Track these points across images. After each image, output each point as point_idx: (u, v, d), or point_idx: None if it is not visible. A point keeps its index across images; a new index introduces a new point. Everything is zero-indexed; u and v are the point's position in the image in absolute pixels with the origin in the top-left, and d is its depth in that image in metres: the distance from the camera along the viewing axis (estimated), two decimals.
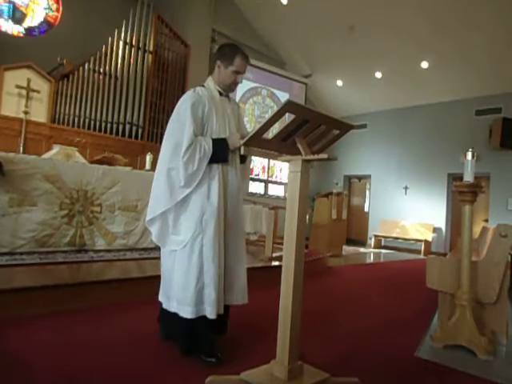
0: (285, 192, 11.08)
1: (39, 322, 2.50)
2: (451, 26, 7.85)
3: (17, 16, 7.40)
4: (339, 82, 11.01)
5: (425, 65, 9.12)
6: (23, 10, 7.50)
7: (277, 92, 10.92)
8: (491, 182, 9.07)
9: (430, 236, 9.91)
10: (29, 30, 7.55)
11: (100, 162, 4.83)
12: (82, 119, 7.21)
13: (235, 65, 2.19)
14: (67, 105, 7.08)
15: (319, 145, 1.84)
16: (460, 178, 2.77)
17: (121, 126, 7.62)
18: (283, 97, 10.83)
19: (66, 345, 2.18)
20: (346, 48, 9.51)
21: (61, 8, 7.92)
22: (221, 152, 2.10)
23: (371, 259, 8.50)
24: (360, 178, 12.18)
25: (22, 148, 6.46)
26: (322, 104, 11.87)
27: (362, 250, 10.16)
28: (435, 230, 9.99)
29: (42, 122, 6.84)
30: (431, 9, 7.66)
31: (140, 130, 7.85)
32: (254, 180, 10.77)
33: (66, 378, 1.80)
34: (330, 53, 10.03)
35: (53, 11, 7.85)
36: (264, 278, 3.48)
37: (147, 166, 5.48)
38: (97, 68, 7.37)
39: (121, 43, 7.67)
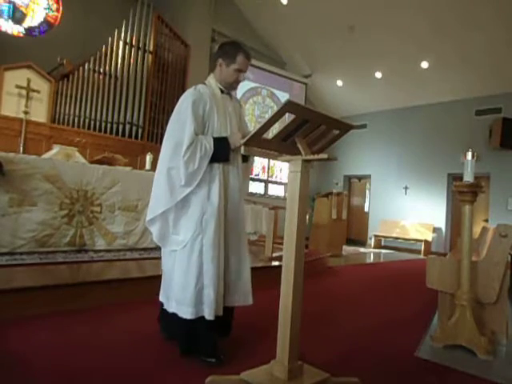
0: (285, 192, 11.08)
1: (39, 322, 2.50)
2: (451, 26, 7.85)
3: (17, 16, 7.40)
4: (339, 82, 11.01)
5: (425, 65, 9.13)
6: (23, 9, 7.50)
7: (277, 92, 10.92)
8: (491, 182, 9.07)
9: (430, 236, 9.92)
10: (29, 30, 7.55)
11: (100, 161, 4.83)
12: (81, 119, 7.21)
13: (237, 63, 2.17)
14: (67, 105, 7.08)
15: (319, 145, 1.84)
16: (460, 178, 2.77)
17: (121, 126, 7.62)
18: (283, 97, 10.83)
19: (66, 345, 2.18)
20: (346, 48, 9.51)
21: (61, 8, 7.92)
22: (222, 151, 2.08)
23: (371, 259, 8.50)
24: (360, 178, 12.18)
25: (22, 148, 6.46)
26: (321, 104, 11.87)
27: (362, 250, 10.16)
28: (435, 229, 10.00)
29: (42, 121, 6.85)
30: (431, 9, 7.66)
31: (140, 130, 7.85)
32: (253, 180, 10.77)
33: (66, 378, 1.80)
34: (330, 53, 10.04)
35: (53, 11, 7.85)
36: (264, 278, 3.48)
37: (147, 166, 5.48)
38: (97, 68, 7.38)
39: (121, 43, 7.67)
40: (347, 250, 9.00)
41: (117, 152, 6.10)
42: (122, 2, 8.15)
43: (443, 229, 9.96)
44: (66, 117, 7.07)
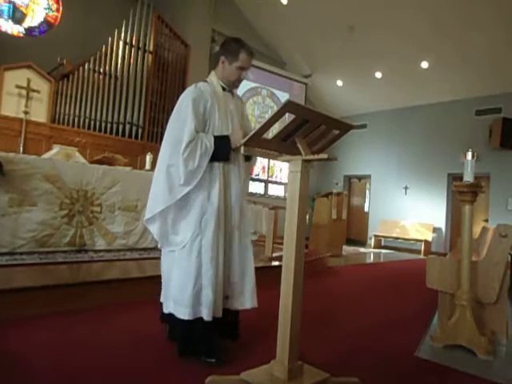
0: (285, 192, 11.08)
1: (39, 322, 2.50)
2: (451, 26, 7.85)
3: (17, 16, 7.40)
4: (339, 82, 11.01)
5: (425, 65, 9.13)
6: (23, 9, 7.50)
7: (277, 92, 10.92)
8: (491, 182, 9.07)
9: (430, 236, 9.92)
10: (29, 30, 7.55)
11: (100, 161, 4.83)
12: (81, 119, 7.21)
13: (240, 60, 2.14)
14: (67, 105, 7.08)
15: (319, 145, 1.84)
16: (460, 178, 2.77)
17: (121, 126, 7.62)
18: (283, 97, 10.83)
19: (66, 345, 2.18)
20: (346, 48, 9.51)
21: (61, 8, 7.92)
22: (223, 149, 2.05)
23: (371, 259, 8.50)
24: (360, 178, 12.19)
25: (22, 148, 6.47)
26: (322, 104, 11.87)
27: (362, 250, 10.16)
28: (435, 229, 10.00)
29: (42, 121, 6.85)
30: (431, 9, 7.66)
31: (140, 130, 7.86)
32: (253, 180, 10.77)
33: (66, 378, 1.80)
34: (330, 53, 10.04)
35: (53, 11, 7.85)
36: (264, 278, 3.48)
37: (147, 166, 5.48)
38: (97, 68, 7.38)
39: (121, 43, 7.67)
40: (347, 249, 9.00)
41: (117, 152, 6.10)
42: (122, 2, 8.15)
43: (443, 229, 9.96)
44: (66, 117, 7.07)
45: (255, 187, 10.84)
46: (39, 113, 6.80)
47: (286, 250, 1.70)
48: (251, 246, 2.27)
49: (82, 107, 7.21)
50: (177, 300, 2.03)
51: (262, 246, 5.13)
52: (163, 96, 8.26)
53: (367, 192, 11.96)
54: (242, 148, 1.73)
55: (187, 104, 2.06)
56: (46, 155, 4.82)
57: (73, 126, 7.13)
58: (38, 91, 6.70)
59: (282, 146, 1.77)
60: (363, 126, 11.59)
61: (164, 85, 8.31)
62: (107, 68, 7.51)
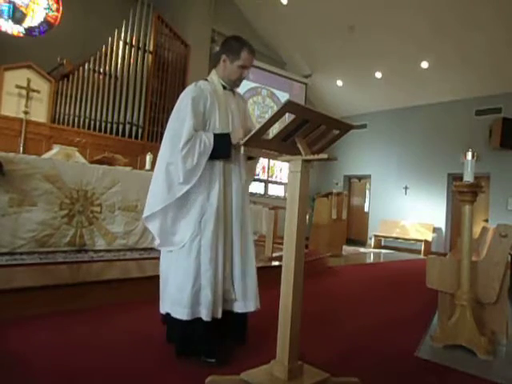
0: (285, 192, 11.08)
1: (39, 321, 2.50)
2: (451, 26, 7.85)
3: (17, 16, 7.40)
4: (339, 82, 11.01)
5: (425, 65, 9.13)
6: (23, 9, 7.50)
7: (277, 92, 10.92)
8: (491, 182, 9.07)
9: (430, 236, 9.92)
10: (29, 30, 7.56)
11: (100, 161, 4.83)
12: (81, 119, 7.21)
13: (242, 59, 2.13)
14: (67, 105, 7.08)
15: (319, 145, 1.84)
16: (460, 178, 2.77)
17: (121, 126, 7.62)
18: (283, 97, 10.83)
19: (66, 345, 2.18)
20: (346, 48, 9.51)
21: (61, 8, 7.92)
22: (223, 147, 2.03)
23: (371, 259, 8.50)
24: (360, 178, 12.18)
25: (22, 148, 6.47)
26: (322, 104, 11.87)
27: (362, 250, 10.16)
28: (435, 229, 10.00)
29: (42, 122, 6.85)
30: (431, 9, 7.66)
31: (140, 130, 7.86)
32: (254, 180, 10.72)
33: (66, 378, 1.80)
34: (330, 53, 10.04)
35: (53, 11, 7.85)
36: (264, 278, 3.48)
37: (147, 166, 5.48)
38: (97, 68, 7.38)
39: (121, 43, 7.67)
40: (347, 249, 9.00)
41: (117, 152, 6.10)
42: (122, 2, 8.15)
43: (443, 229, 9.96)
44: (66, 117, 7.07)
45: (255, 187, 10.84)
46: (39, 113, 6.80)
47: (286, 250, 1.70)
48: (253, 247, 2.25)
49: (82, 107, 7.21)
50: (175, 300, 2.02)
51: (262, 246, 5.13)
52: (163, 96, 8.26)
53: (367, 192, 11.96)
54: (242, 148, 1.73)
55: (186, 103, 2.05)
56: (46, 155, 4.82)
57: (73, 126, 7.13)
58: (38, 91, 6.71)
59: (282, 146, 1.77)
60: (363, 126, 11.59)
61: (164, 85, 8.31)
62: (107, 68, 7.51)
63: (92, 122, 7.31)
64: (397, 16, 8.11)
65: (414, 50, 8.76)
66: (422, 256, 9.27)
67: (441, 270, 2.87)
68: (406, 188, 10.68)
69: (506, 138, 8.71)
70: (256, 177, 10.88)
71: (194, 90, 2.09)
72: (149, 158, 5.53)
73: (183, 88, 2.18)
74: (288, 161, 1.75)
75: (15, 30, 7.40)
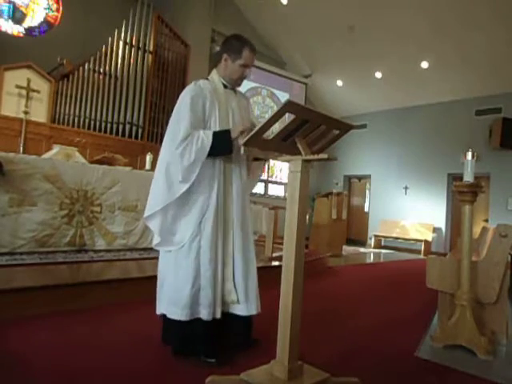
0: (285, 192, 11.08)
1: (39, 321, 2.50)
2: (451, 25, 7.85)
3: (17, 16, 7.40)
4: (339, 82, 11.01)
5: (425, 65, 9.13)
6: (23, 9, 7.50)
7: (277, 92, 10.92)
8: (491, 182, 9.07)
9: (430, 236, 9.92)
10: (29, 30, 7.56)
11: (100, 162, 4.83)
12: (82, 119, 7.21)
13: (243, 58, 2.12)
14: (67, 105, 7.08)
15: (319, 145, 1.84)
16: (460, 178, 2.77)
17: (121, 126, 7.62)
18: (283, 97, 10.83)
19: (66, 345, 2.18)
20: (346, 48, 9.51)
21: (61, 8, 7.92)
22: (222, 144, 1.99)
23: (371, 259, 8.50)
24: (360, 178, 12.18)
25: (22, 148, 6.47)
26: (322, 104, 11.87)
27: (362, 249, 10.16)
28: (435, 229, 10.00)
29: (42, 122, 6.85)
30: (431, 9, 7.66)
31: (140, 130, 7.86)
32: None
33: (66, 378, 1.80)
34: (330, 53, 10.04)
35: (53, 11, 7.85)
36: (264, 278, 3.48)
37: (147, 166, 5.48)
38: (97, 68, 7.38)
39: (121, 43, 7.67)
40: (347, 249, 9.00)
41: (117, 152, 6.10)
42: (122, 2, 8.15)
43: (443, 229, 9.96)
44: (66, 117, 7.07)
45: (255, 187, 10.83)
46: (39, 113, 6.80)
47: (286, 250, 1.70)
48: (254, 247, 2.24)
49: (82, 107, 7.21)
50: (172, 301, 2.01)
51: (262, 246, 5.13)
52: (163, 96, 8.26)
53: (367, 192, 11.96)
54: (242, 148, 1.73)
55: (185, 103, 2.05)
56: (46, 155, 4.82)
57: (73, 126, 7.13)
58: (38, 91, 6.71)
59: (282, 146, 1.77)
60: (363, 126, 11.59)
61: (164, 85, 8.31)
62: (107, 68, 7.51)
63: (92, 122, 7.31)
64: (397, 16, 8.11)
65: (414, 50, 8.76)
66: (421, 256, 9.26)
67: (441, 270, 2.87)
68: (405, 188, 10.68)
69: (506, 138, 8.71)
70: None
71: (193, 90, 2.09)
72: (149, 158, 5.53)
73: (183, 88, 2.17)
74: (288, 161, 1.75)
75: (15, 30, 7.40)
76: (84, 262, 3.72)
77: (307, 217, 6.71)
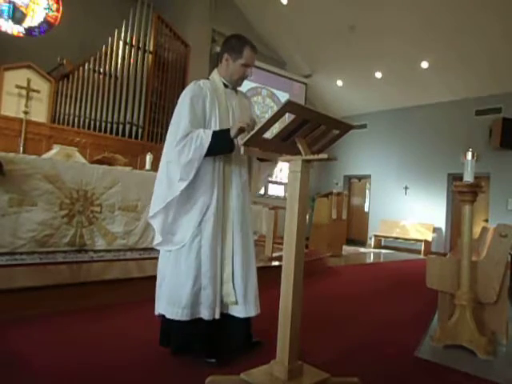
0: (285, 192, 11.08)
1: (39, 321, 2.50)
2: (451, 26, 7.85)
3: (17, 16, 7.40)
4: (339, 82, 11.01)
5: (425, 65, 9.13)
6: (23, 9, 7.50)
7: (277, 92, 10.92)
8: (491, 182, 9.07)
9: (429, 236, 9.92)
10: (29, 30, 7.56)
11: (100, 161, 4.83)
12: (82, 119, 7.21)
13: (244, 57, 2.11)
14: (67, 105, 7.08)
15: (319, 145, 1.84)
16: (460, 178, 2.77)
17: (121, 126, 7.62)
18: (283, 97, 10.82)
19: (66, 345, 2.18)
20: (346, 48, 9.51)
21: (61, 8, 7.93)
22: (222, 142, 1.98)
23: (371, 259, 8.50)
24: (360, 178, 12.18)
25: (22, 148, 6.47)
26: (322, 104, 11.86)
27: (362, 249, 10.16)
28: (435, 229, 10.00)
29: (42, 121, 6.85)
30: (431, 9, 7.66)
31: (140, 130, 7.86)
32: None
33: (66, 378, 1.80)
34: (330, 53, 10.03)
35: (53, 11, 7.85)
36: (264, 278, 3.48)
37: (147, 166, 5.48)
38: (97, 68, 7.38)
39: (121, 43, 7.67)
40: (347, 249, 9.00)
41: (117, 152, 6.10)
42: (122, 2, 8.15)
43: (443, 229, 9.96)
44: (66, 117, 7.07)
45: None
46: (39, 113, 6.80)
47: (286, 250, 1.70)
48: (253, 247, 2.23)
49: (82, 107, 7.21)
50: (172, 300, 2.01)
51: (262, 246, 5.13)
52: (163, 96, 8.26)
53: (367, 192, 11.96)
54: (242, 148, 1.73)
55: (185, 103, 2.06)
56: (46, 155, 4.82)
57: (73, 125, 7.13)
58: (37, 91, 6.71)
59: (281, 146, 1.77)
60: (363, 126, 11.59)
61: (164, 85, 8.31)
62: (107, 68, 7.51)
63: (92, 122, 7.31)
64: (397, 16, 8.11)
65: (414, 50, 8.76)
66: (422, 256, 9.26)
67: (441, 270, 2.87)
68: (405, 188, 10.68)
69: (506, 138, 8.70)
70: None
71: (193, 89, 2.09)
72: (149, 157, 5.53)
73: (183, 88, 2.17)
74: (288, 161, 1.75)
75: (15, 30, 7.40)
76: (84, 262, 3.72)
77: (307, 217, 6.71)
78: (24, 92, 6.59)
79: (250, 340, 2.23)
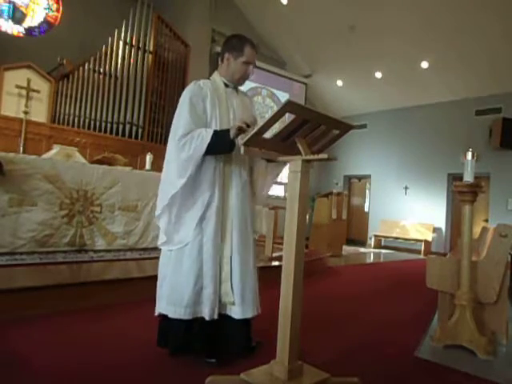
0: (285, 192, 11.07)
1: (39, 321, 2.50)
2: (451, 26, 7.85)
3: (17, 16, 7.40)
4: (339, 82, 11.00)
5: (425, 65, 9.13)
6: (23, 10, 7.50)
7: (277, 92, 10.92)
8: (491, 182, 9.07)
9: (430, 236, 9.91)
10: (29, 30, 7.56)
11: (100, 161, 4.83)
12: (82, 119, 7.21)
13: (245, 55, 2.12)
14: (67, 105, 7.09)
15: (319, 145, 1.84)
16: (460, 178, 2.77)
17: (121, 126, 7.62)
18: (283, 97, 10.82)
19: (66, 345, 2.18)
20: (346, 48, 9.51)
21: (61, 8, 7.93)
22: (221, 142, 1.98)
23: (371, 259, 8.50)
24: (360, 178, 12.18)
25: (22, 148, 6.47)
26: (322, 104, 11.86)
27: (362, 249, 10.16)
28: (435, 229, 9.99)
29: (42, 121, 6.85)
30: (431, 9, 7.66)
31: (140, 130, 7.86)
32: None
33: (66, 378, 1.80)
34: (330, 53, 10.03)
35: (53, 11, 7.85)
36: (264, 278, 3.48)
37: (147, 166, 5.47)
38: (97, 68, 7.38)
39: (121, 43, 7.68)
40: (347, 249, 9.00)
41: (117, 152, 6.10)
42: (122, 2, 8.15)
43: (443, 229, 9.96)
44: (66, 117, 7.07)
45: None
46: (39, 113, 6.80)
47: (286, 250, 1.70)
48: (254, 247, 2.23)
49: (82, 107, 7.21)
50: (173, 300, 2.01)
51: (262, 246, 5.13)
52: (163, 96, 8.26)
53: (367, 192, 11.96)
54: (242, 148, 1.73)
55: (185, 103, 2.07)
56: (46, 155, 4.82)
57: (73, 125, 7.13)
58: (37, 91, 6.71)
59: (281, 146, 1.77)
60: (363, 126, 11.58)
61: (164, 85, 8.31)
62: (107, 68, 7.51)
63: (92, 122, 7.31)
64: (397, 16, 8.11)
65: (414, 51, 8.76)
66: (422, 256, 9.26)
67: (441, 270, 2.86)
68: (405, 188, 10.67)
69: (506, 138, 8.70)
70: None
71: (193, 90, 2.10)
72: (149, 158, 5.53)
73: (183, 88, 2.18)
74: (288, 161, 1.75)
75: (15, 30, 7.40)
76: (84, 262, 3.72)
77: (307, 217, 6.71)
78: (24, 92, 6.59)
79: (250, 343, 2.21)
